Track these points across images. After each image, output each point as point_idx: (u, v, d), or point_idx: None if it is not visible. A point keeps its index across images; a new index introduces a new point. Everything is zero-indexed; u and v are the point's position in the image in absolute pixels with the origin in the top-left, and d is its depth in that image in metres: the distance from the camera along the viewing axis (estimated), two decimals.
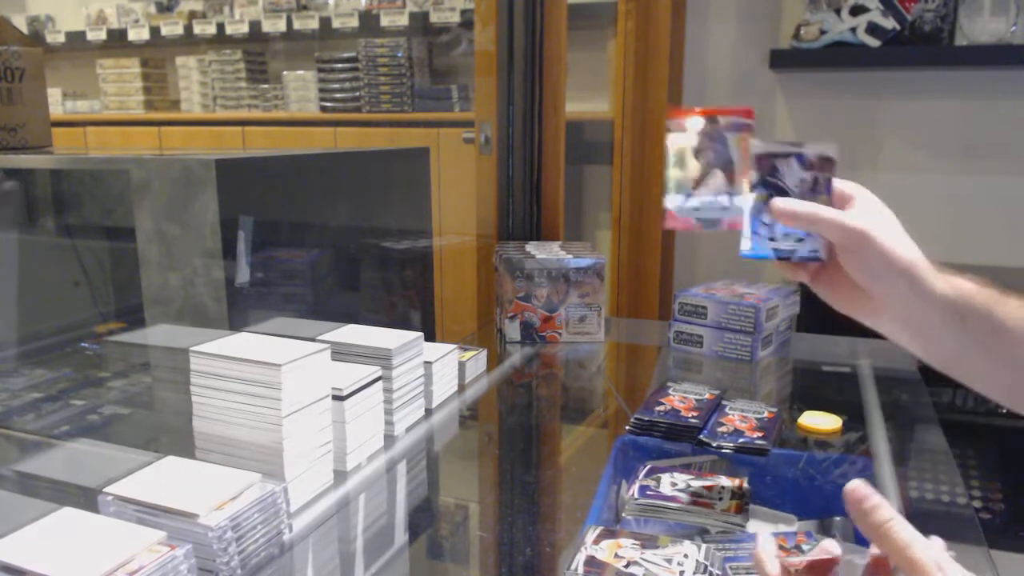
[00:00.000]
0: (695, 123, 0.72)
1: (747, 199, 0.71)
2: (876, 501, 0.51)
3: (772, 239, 0.71)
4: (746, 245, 0.72)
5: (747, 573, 0.66)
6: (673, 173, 0.72)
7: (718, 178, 0.72)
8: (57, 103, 3.56)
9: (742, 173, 0.72)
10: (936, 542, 0.51)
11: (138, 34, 3.38)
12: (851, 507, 0.52)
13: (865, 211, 0.68)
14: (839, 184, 0.71)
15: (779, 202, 0.69)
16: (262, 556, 0.72)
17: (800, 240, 0.71)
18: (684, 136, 0.72)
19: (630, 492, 0.78)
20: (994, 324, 0.64)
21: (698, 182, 0.72)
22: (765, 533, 0.60)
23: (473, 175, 1.79)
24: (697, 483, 0.79)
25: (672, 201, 0.73)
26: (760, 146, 0.71)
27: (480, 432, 1.14)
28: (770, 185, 0.71)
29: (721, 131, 0.72)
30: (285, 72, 3.14)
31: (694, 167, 0.72)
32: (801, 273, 0.73)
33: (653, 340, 1.57)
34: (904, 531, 0.49)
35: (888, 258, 0.65)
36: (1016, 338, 0.63)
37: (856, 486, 0.52)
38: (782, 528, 0.81)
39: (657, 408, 1.00)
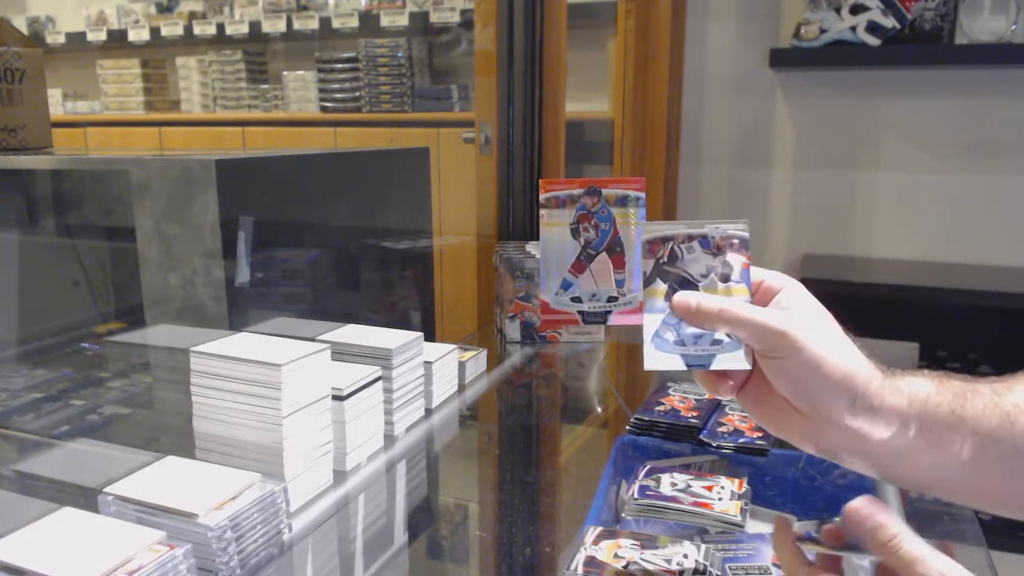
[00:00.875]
0: (572, 195, 0.60)
1: (641, 294, 0.58)
2: (881, 519, 0.48)
3: (681, 343, 0.57)
4: (648, 358, 0.57)
5: (747, 573, 0.66)
6: (549, 256, 0.60)
7: (603, 262, 0.60)
8: (57, 104, 3.57)
9: (632, 256, 0.59)
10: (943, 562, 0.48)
11: (138, 35, 3.38)
12: (855, 526, 0.49)
13: (792, 308, 0.55)
14: (761, 274, 0.57)
15: (680, 297, 0.55)
16: (262, 556, 0.72)
17: (716, 343, 0.56)
18: (559, 212, 0.60)
19: (630, 492, 0.78)
20: (966, 432, 0.52)
21: (579, 268, 0.60)
22: (790, 523, 0.59)
23: (473, 175, 1.79)
24: (697, 483, 0.79)
25: (547, 291, 0.60)
26: (653, 228, 0.57)
27: (480, 432, 1.14)
28: (670, 276, 0.57)
29: (604, 205, 0.60)
30: (285, 72, 3.14)
31: (572, 249, 0.60)
32: (724, 386, 0.57)
33: None
34: (911, 546, 0.47)
35: (819, 368, 0.52)
36: (996, 439, 0.52)
37: (859, 505, 0.49)
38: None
39: (657, 408, 0.99)
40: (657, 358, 0.57)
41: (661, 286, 0.57)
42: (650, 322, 0.57)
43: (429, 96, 2.88)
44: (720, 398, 0.59)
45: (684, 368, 0.57)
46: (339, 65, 3.00)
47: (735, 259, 0.57)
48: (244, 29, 3.14)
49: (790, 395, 0.54)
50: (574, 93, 2.06)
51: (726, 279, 0.57)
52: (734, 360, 0.56)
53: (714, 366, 0.56)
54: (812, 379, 0.52)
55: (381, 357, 0.97)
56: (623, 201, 0.60)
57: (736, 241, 0.57)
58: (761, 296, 0.57)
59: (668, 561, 0.63)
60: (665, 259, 0.58)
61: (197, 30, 3.23)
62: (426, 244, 1.41)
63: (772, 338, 0.52)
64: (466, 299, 1.90)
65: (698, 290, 0.57)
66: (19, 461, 0.98)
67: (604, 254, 0.60)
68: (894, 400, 0.53)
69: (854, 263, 2.23)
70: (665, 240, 0.58)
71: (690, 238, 0.57)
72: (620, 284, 0.60)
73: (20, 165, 1.22)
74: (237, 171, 0.95)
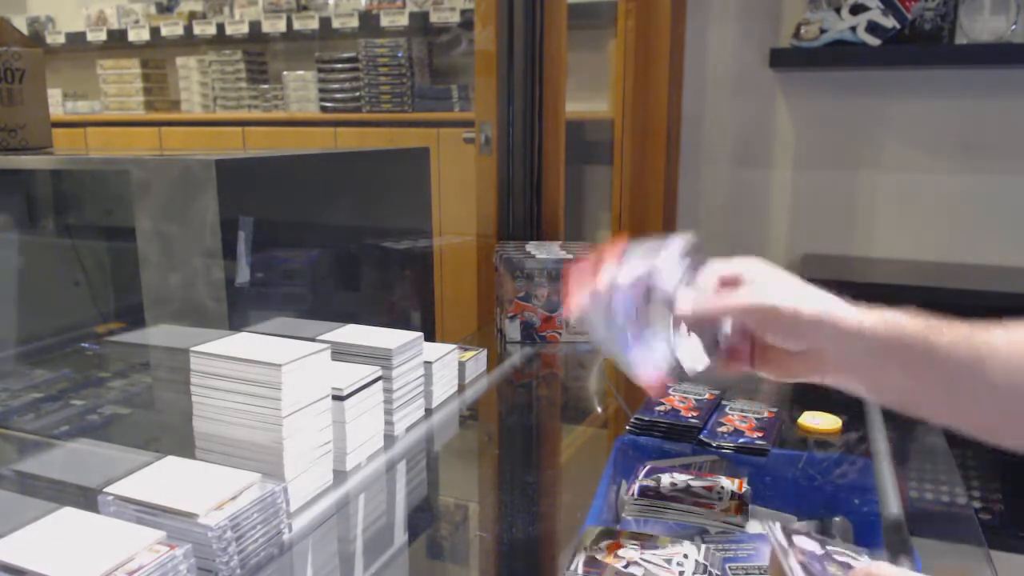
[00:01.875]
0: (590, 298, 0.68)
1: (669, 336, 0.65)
2: None
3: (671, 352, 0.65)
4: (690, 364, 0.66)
5: (747, 573, 0.66)
6: (603, 337, 0.67)
7: (654, 316, 0.67)
8: (57, 104, 3.56)
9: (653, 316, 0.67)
10: None
11: (138, 35, 3.37)
12: None
13: (757, 282, 0.66)
14: (721, 268, 0.68)
15: (685, 309, 0.65)
16: (262, 556, 0.72)
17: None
18: (588, 303, 0.68)
19: (630, 492, 0.78)
20: (938, 359, 0.60)
21: (635, 327, 0.66)
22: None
23: (473, 175, 1.79)
24: (697, 483, 0.79)
25: (641, 363, 0.66)
26: (625, 277, 0.66)
27: (480, 432, 1.14)
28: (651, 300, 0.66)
29: (615, 295, 0.67)
30: (285, 72, 3.14)
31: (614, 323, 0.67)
32: (739, 365, 0.69)
33: None
34: None
35: (799, 314, 0.62)
36: (968, 367, 0.59)
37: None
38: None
39: (657, 408, 0.99)
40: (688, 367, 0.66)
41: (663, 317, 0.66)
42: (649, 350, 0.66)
43: (429, 96, 2.88)
44: (740, 372, 0.70)
45: (700, 367, 0.67)
46: (339, 65, 3.00)
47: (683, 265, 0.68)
48: (244, 29, 3.14)
49: (790, 343, 0.65)
50: (574, 93, 2.06)
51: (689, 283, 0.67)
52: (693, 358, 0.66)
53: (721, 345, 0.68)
54: (798, 325, 0.63)
55: (381, 357, 0.97)
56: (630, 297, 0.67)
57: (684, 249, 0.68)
58: (730, 286, 0.67)
59: (668, 561, 0.63)
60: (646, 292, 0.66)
61: (197, 30, 3.23)
62: (426, 244, 1.41)
63: (758, 311, 0.63)
64: (466, 299, 1.90)
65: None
66: (19, 461, 0.98)
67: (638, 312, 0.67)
68: (872, 321, 0.62)
69: (854, 263, 2.23)
70: (643, 282, 0.66)
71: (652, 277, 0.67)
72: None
73: (20, 165, 1.22)
74: (237, 171, 0.95)
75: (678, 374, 0.66)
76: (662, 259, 0.67)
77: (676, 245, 0.69)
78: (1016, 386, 0.58)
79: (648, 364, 0.66)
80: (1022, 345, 0.59)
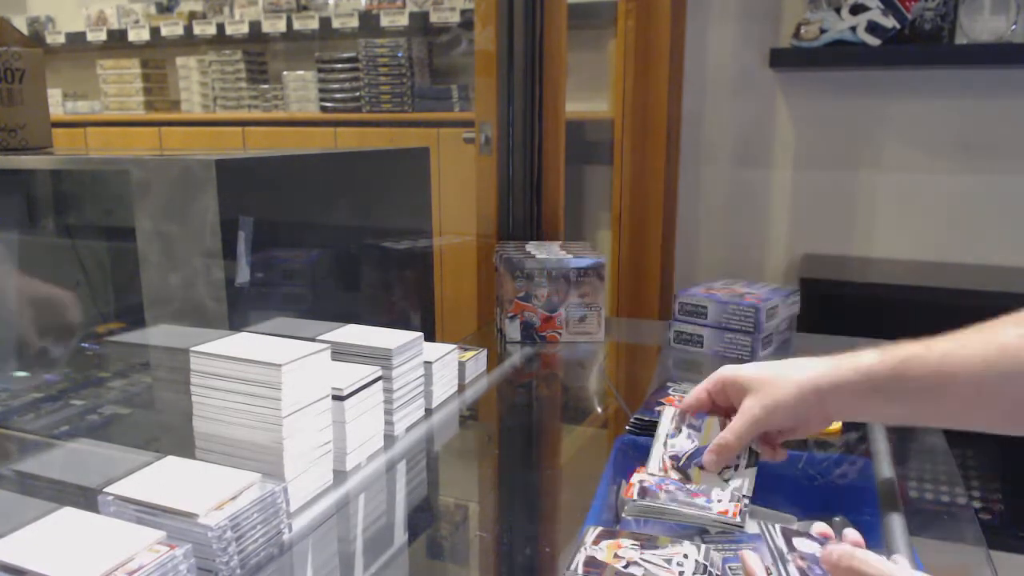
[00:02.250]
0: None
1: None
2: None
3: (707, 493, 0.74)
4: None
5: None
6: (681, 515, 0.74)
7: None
8: (57, 104, 3.56)
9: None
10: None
11: (138, 35, 3.37)
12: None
13: (742, 401, 0.76)
14: (704, 388, 0.81)
15: (711, 463, 0.77)
16: (262, 556, 0.72)
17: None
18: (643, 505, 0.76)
19: (629, 492, 0.77)
20: (908, 384, 0.67)
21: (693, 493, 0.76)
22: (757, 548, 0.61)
23: (473, 175, 1.79)
24: None
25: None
26: (655, 468, 0.79)
27: (480, 432, 1.14)
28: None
29: (659, 484, 0.77)
30: (285, 72, 3.14)
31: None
32: (776, 450, 0.80)
33: (653, 340, 1.57)
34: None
35: (785, 401, 0.73)
36: (929, 391, 0.67)
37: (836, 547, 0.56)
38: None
39: (657, 408, 0.99)
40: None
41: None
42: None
43: (429, 96, 2.88)
44: (783, 453, 0.81)
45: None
46: (339, 65, 3.00)
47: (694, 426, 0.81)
48: (244, 29, 3.14)
49: (798, 419, 0.75)
50: (574, 93, 2.06)
51: (699, 429, 0.81)
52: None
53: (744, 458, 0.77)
54: (787, 408, 0.73)
55: (381, 357, 0.97)
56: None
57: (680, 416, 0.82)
58: (735, 396, 0.77)
59: (668, 561, 0.63)
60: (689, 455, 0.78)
61: (197, 30, 3.23)
62: (426, 244, 1.41)
63: (754, 426, 0.74)
64: (466, 299, 1.90)
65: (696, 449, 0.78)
66: (19, 461, 0.98)
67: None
68: (847, 372, 0.71)
69: (854, 263, 2.23)
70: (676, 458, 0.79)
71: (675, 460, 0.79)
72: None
73: (20, 165, 1.22)
74: (237, 171, 0.95)
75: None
76: (666, 435, 0.81)
77: (667, 417, 0.82)
78: (988, 396, 0.65)
79: (728, 508, 0.72)
80: (992, 357, 0.65)
